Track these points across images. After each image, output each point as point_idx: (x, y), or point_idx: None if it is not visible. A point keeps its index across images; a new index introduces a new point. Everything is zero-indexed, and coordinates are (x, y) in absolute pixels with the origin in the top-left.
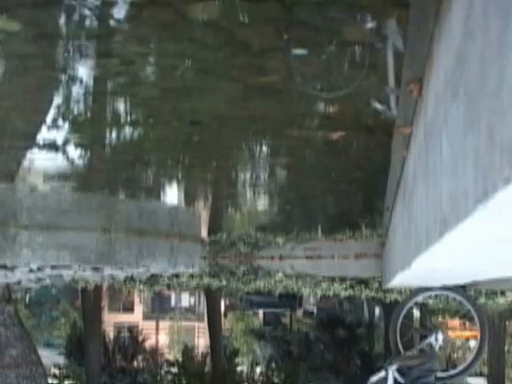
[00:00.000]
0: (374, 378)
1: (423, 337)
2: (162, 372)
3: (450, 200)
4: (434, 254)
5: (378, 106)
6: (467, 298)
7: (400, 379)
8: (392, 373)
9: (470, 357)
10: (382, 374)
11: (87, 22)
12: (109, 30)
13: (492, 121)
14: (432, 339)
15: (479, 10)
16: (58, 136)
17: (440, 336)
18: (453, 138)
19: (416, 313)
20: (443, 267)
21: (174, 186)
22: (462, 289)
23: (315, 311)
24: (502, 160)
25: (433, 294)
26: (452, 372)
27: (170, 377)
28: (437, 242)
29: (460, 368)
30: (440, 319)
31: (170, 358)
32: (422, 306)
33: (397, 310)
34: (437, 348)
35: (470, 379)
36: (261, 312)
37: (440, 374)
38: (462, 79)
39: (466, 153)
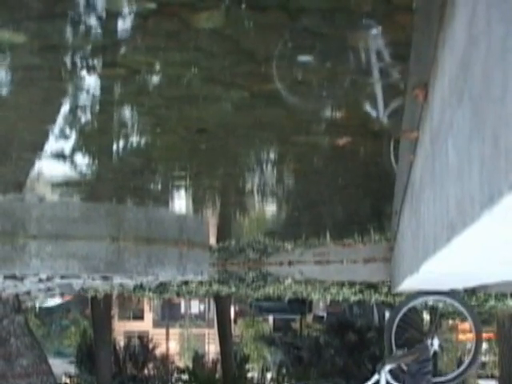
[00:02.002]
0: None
1: (419, 341)
2: (173, 379)
3: (457, 205)
4: (442, 259)
5: (371, 111)
6: (463, 304)
7: (393, 381)
8: (384, 375)
9: (466, 361)
10: (374, 377)
11: (92, 33)
12: (114, 41)
13: (497, 126)
14: (427, 343)
15: (482, 16)
16: (66, 146)
17: (436, 341)
18: (458, 144)
19: (426, 317)
20: (451, 271)
21: (182, 193)
22: (458, 294)
23: (325, 316)
24: (508, 165)
25: (428, 298)
26: (449, 376)
27: None
28: (444, 247)
29: (456, 372)
30: (450, 322)
31: (181, 365)
32: (432, 310)
33: (392, 314)
34: (431, 352)
35: (481, 381)
36: (270, 318)
37: (436, 379)
38: (466, 85)
39: (471, 158)
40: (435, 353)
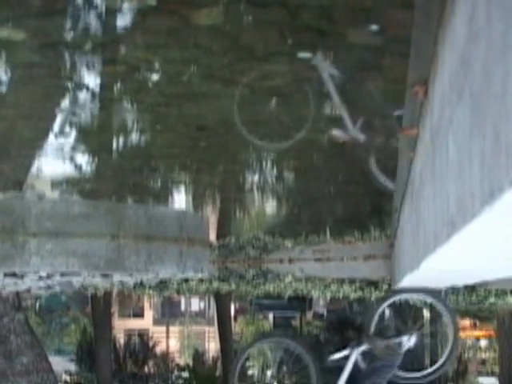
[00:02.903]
0: (336, 356)
1: (398, 334)
2: (173, 377)
3: (457, 201)
4: (442, 255)
5: (338, 133)
6: (442, 302)
7: (361, 363)
8: (356, 354)
9: (442, 359)
10: (345, 352)
11: (92, 30)
12: (114, 38)
13: (497, 122)
14: (404, 339)
15: (483, 12)
16: (65, 143)
17: (413, 339)
18: (459, 140)
19: (426, 314)
20: (452, 268)
21: (182, 190)
22: (438, 293)
23: (325, 313)
24: (508, 161)
25: (408, 296)
26: (424, 372)
27: (180, 381)
28: (445, 243)
29: (432, 368)
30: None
31: (181, 362)
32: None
33: (371, 311)
34: (403, 349)
35: (481, 378)
36: (271, 315)
37: (411, 374)
38: (466, 81)
39: (471, 154)
40: (410, 349)
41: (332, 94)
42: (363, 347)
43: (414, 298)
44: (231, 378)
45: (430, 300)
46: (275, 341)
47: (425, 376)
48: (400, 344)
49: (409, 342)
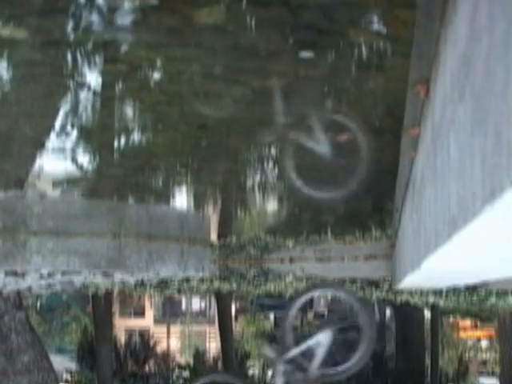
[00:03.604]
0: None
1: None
2: (174, 376)
3: (458, 201)
4: (443, 255)
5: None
6: (354, 297)
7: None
8: (279, 370)
9: (357, 354)
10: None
11: (94, 29)
12: (116, 36)
13: (499, 122)
14: (320, 337)
15: (484, 12)
16: (67, 142)
17: (328, 336)
18: (460, 140)
19: (427, 314)
20: (453, 268)
21: (183, 190)
22: (349, 288)
23: (326, 313)
24: (509, 161)
25: (321, 292)
26: (339, 368)
27: (181, 381)
28: (446, 243)
29: (347, 365)
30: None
31: (182, 362)
32: (433, 307)
33: (287, 310)
34: (322, 347)
35: (482, 378)
36: (271, 315)
37: (330, 370)
38: (468, 80)
39: (473, 154)
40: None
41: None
42: (282, 363)
43: (327, 293)
44: (282, 333)
45: (341, 295)
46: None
47: (341, 372)
48: (317, 344)
49: (325, 339)
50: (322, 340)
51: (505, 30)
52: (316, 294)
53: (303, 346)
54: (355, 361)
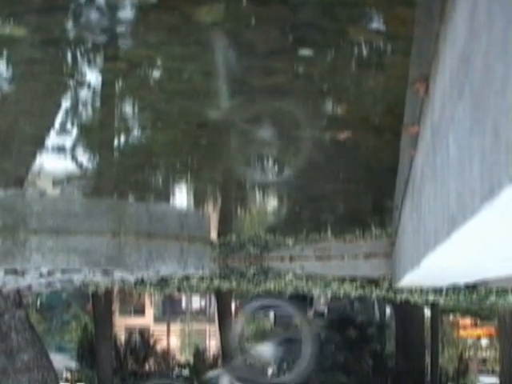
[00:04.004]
0: (210, 374)
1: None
2: (174, 374)
3: (457, 198)
4: (443, 253)
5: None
6: (291, 306)
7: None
8: (226, 379)
9: (302, 359)
10: (217, 371)
11: (93, 27)
12: (115, 35)
13: (497, 119)
14: (260, 350)
15: (483, 9)
16: (67, 140)
17: (273, 347)
18: (459, 137)
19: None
20: (452, 266)
21: (183, 188)
22: (285, 299)
23: (326, 312)
24: (508, 158)
25: (265, 303)
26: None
27: (181, 379)
28: (445, 241)
29: (283, 378)
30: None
31: (182, 360)
32: (433, 306)
33: (237, 320)
34: (264, 358)
35: (482, 377)
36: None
37: (274, 380)
38: (467, 78)
39: (472, 151)
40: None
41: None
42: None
43: (269, 306)
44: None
45: (280, 304)
46: None
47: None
48: (260, 355)
49: (267, 351)
50: (264, 351)
51: (504, 28)
52: (257, 307)
53: (247, 357)
54: (294, 375)
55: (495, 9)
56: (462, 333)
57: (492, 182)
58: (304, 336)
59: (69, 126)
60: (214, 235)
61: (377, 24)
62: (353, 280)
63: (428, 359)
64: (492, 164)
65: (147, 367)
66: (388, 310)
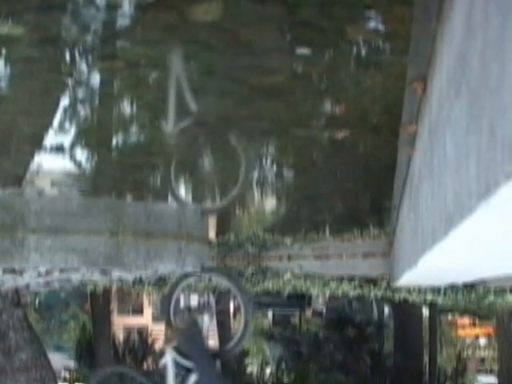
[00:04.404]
0: (161, 363)
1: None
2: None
3: (454, 197)
4: (440, 252)
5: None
6: (235, 283)
7: (179, 359)
8: (169, 355)
9: (233, 340)
10: (165, 357)
11: (91, 26)
12: (113, 33)
13: (494, 117)
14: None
15: (480, 8)
16: (65, 139)
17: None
18: (456, 136)
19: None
20: (450, 265)
21: (182, 187)
22: (228, 271)
23: (324, 311)
24: (504, 156)
25: (195, 278)
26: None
27: (179, 379)
28: (442, 240)
29: (227, 346)
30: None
31: None
32: (431, 305)
33: (166, 299)
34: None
35: (480, 376)
36: (270, 313)
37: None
38: (464, 76)
39: (468, 150)
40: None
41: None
42: (171, 346)
43: (209, 279)
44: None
45: (223, 281)
46: None
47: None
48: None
49: (169, 360)
50: (167, 361)
51: (500, 25)
52: (190, 281)
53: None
54: (230, 347)
55: (491, 8)
56: (461, 332)
57: (489, 181)
58: (244, 306)
59: (67, 124)
60: (212, 235)
61: (374, 23)
62: (351, 279)
63: (426, 358)
64: (488, 162)
65: (146, 366)
66: (386, 310)
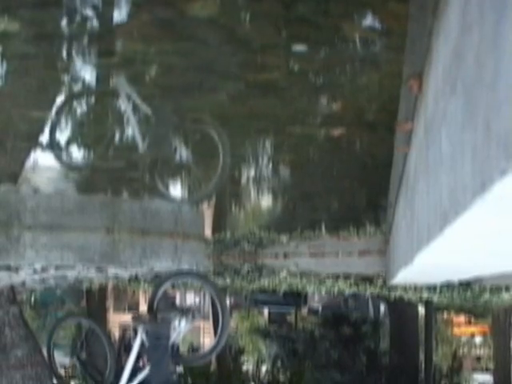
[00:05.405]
0: (130, 337)
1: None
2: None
3: (450, 194)
4: (436, 249)
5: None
6: (210, 284)
7: (145, 342)
8: (140, 333)
9: (213, 342)
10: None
11: (87, 22)
12: (109, 29)
13: (488, 114)
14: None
15: (475, 4)
16: (61, 136)
17: (183, 324)
18: (451, 133)
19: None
20: (445, 262)
21: (178, 184)
22: (206, 276)
23: (320, 309)
24: (499, 152)
25: (183, 279)
26: (196, 354)
27: (175, 376)
28: (437, 237)
29: (203, 351)
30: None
31: None
32: (427, 303)
33: (151, 296)
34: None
35: (476, 375)
36: (266, 310)
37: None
38: (459, 73)
39: (463, 147)
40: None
41: (129, 114)
42: (147, 326)
43: (187, 281)
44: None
45: (198, 283)
46: None
47: (200, 357)
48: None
49: (180, 326)
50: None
51: (495, 23)
52: (172, 282)
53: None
54: (211, 348)
55: (487, 4)
56: (456, 330)
57: (484, 177)
58: (221, 311)
59: (63, 121)
60: (208, 232)
61: (371, 20)
62: (347, 277)
63: (422, 357)
64: (484, 159)
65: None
66: (382, 308)
